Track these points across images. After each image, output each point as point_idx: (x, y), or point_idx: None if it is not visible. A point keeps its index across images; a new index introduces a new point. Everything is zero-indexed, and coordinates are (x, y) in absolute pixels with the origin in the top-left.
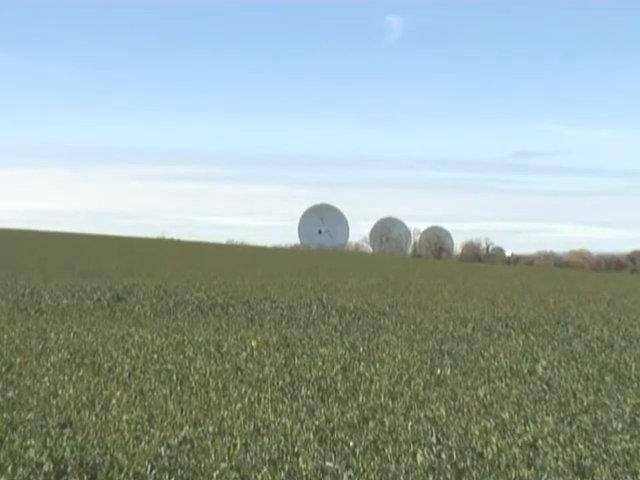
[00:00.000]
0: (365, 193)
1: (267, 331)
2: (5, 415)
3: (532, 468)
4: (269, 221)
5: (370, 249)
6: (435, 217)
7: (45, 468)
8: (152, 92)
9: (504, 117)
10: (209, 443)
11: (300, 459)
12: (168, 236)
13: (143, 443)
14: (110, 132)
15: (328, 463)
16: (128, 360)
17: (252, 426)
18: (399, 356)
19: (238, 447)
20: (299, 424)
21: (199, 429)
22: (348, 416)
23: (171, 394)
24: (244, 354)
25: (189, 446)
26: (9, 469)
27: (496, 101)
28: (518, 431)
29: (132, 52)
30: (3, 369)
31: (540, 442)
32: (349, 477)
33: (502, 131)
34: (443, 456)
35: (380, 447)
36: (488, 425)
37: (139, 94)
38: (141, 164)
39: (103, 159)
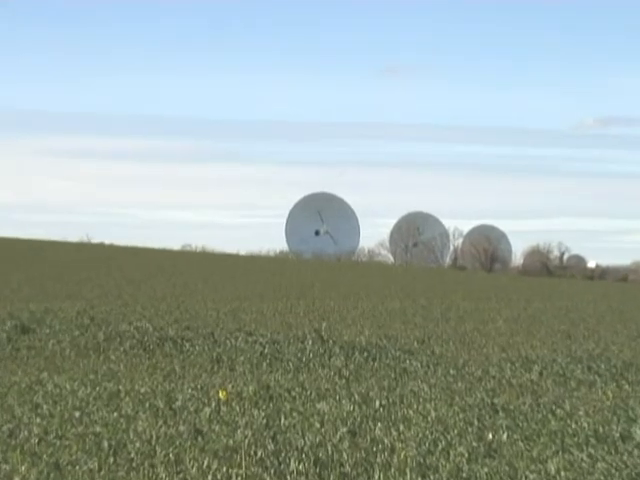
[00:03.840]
0: (382, 176)
1: (240, 377)
2: None
3: None
4: (243, 217)
5: (390, 258)
6: (485, 212)
7: None
8: (67, 39)
9: (581, 70)
10: None
11: None
12: (95, 239)
13: None
14: (5, 91)
15: None
16: (38, 420)
17: None
18: (433, 414)
19: None
20: None
21: None
22: None
23: (100, 469)
24: (207, 411)
25: None
26: None
27: (569, 49)
28: None
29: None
30: None
31: None
32: None
33: (578, 89)
34: None
35: None
36: None
37: (51, 43)
38: (53, 134)
39: None
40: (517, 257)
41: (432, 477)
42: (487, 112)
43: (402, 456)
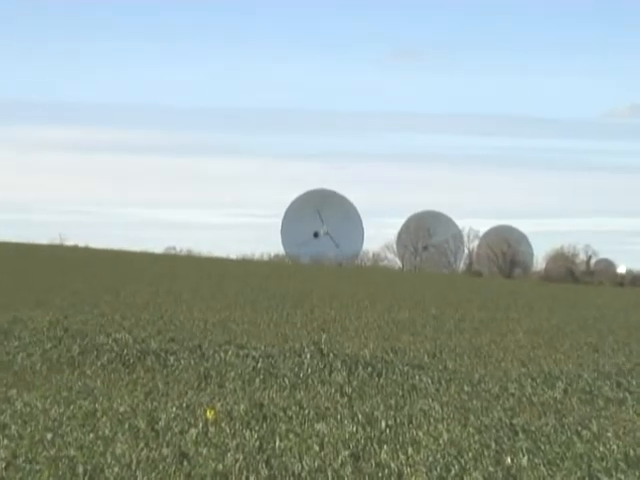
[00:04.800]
0: (388, 171)
1: (231, 395)
2: None
3: None
4: (234, 216)
5: (398, 262)
6: (503, 211)
7: None
8: (45, 25)
9: (611, 55)
10: None
11: None
12: (69, 241)
13: None
14: None
15: None
16: (5, 442)
17: None
18: (445, 435)
19: None
20: None
21: None
22: None
23: None
24: (193, 432)
25: None
26: None
27: (598, 30)
28: None
29: None
30: None
31: None
32: None
33: (609, 75)
34: None
35: None
36: None
37: (21, 30)
38: (22, 124)
39: None
40: (539, 261)
41: None
42: (506, 100)
43: None
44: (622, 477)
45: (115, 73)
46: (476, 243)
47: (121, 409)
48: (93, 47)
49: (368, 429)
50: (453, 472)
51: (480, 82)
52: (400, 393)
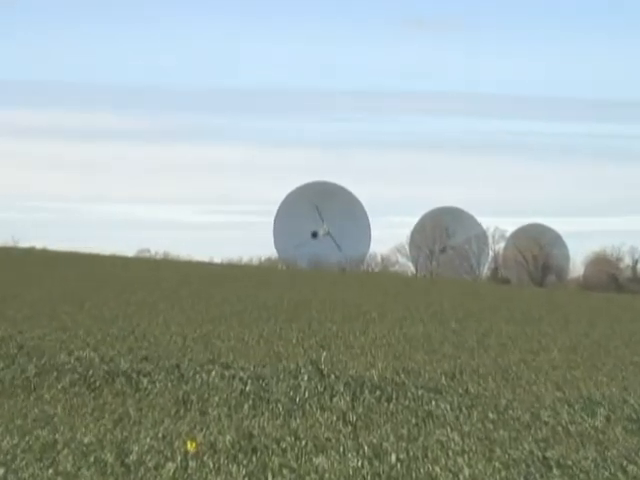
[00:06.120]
0: (400, 161)
1: (215, 423)
2: None
3: None
4: (218, 214)
5: (411, 267)
6: (534, 207)
7: None
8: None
9: None
10: None
11: None
12: (23, 242)
13: None
14: None
15: None
16: None
17: None
18: (466, 471)
19: None
20: None
21: None
22: None
23: None
24: (170, 467)
25: None
26: None
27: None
28: None
29: None
30: None
31: None
32: None
33: None
34: None
35: None
36: None
37: None
38: None
39: None
40: (576, 266)
41: None
42: (538, 78)
43: None
44: None
45: (80, 51)
46: (502, 245)
47: (85, 440)
48: (59, 24)
49: (376, 464)
50: None
51: (505, 57)
52: (413, 421)
